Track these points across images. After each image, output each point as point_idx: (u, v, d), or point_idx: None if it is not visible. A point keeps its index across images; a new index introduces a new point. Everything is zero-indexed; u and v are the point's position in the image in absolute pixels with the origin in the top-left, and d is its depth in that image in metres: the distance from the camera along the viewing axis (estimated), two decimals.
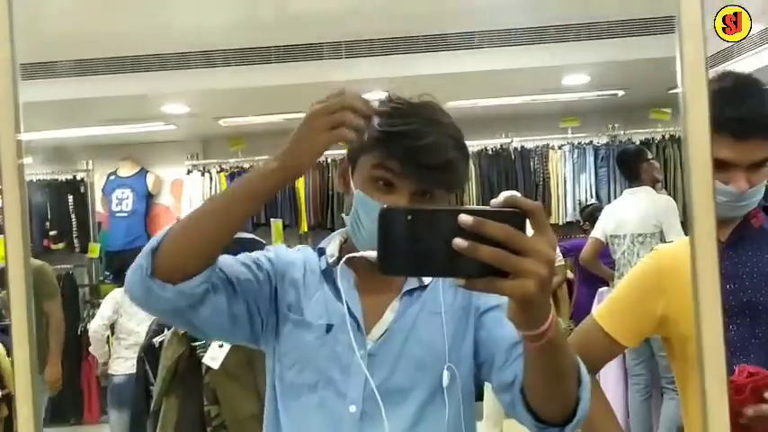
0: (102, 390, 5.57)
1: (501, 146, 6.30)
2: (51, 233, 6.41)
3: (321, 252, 1.24)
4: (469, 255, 0.68)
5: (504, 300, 0.74)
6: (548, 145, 6.31)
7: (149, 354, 3.15)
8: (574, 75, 5.09)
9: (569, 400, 0.93)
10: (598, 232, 4.28)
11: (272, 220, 5.10)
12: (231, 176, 6.50)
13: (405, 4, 4.06)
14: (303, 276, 1.21)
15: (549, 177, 6.25)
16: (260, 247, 4.86)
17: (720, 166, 1.25)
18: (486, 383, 1.19)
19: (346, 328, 1.13)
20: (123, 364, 4.12)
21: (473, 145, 6.22)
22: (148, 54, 4.64)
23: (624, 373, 4.22)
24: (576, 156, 6.24)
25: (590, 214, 5.10)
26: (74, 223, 6.54)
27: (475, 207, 0.72)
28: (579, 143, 6.29)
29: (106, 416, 4.66)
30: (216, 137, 6.58)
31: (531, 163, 6.28)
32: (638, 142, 5.97)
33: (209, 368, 2.51)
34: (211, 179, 6.52)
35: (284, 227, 5.47)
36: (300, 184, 6.38)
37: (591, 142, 6.30)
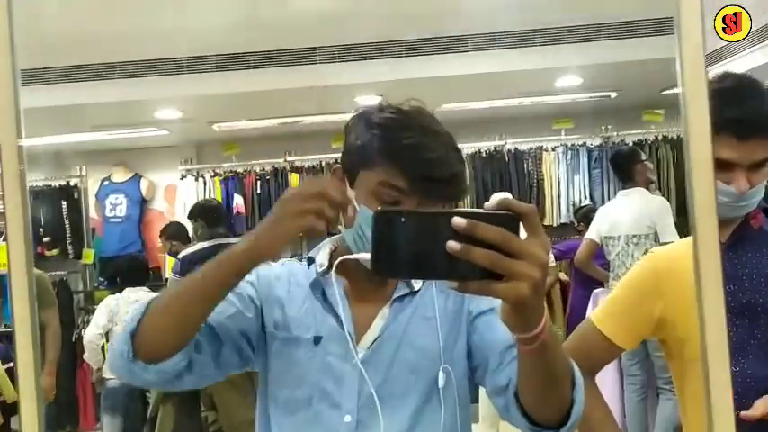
0: (97, 396, 5.54)
1: (494, 148, 6.31)
2: (45, 239, 6.38)
3: (310, 261, 1.23)
4: (463, 257, 0.68)
5: (497, 303, 0.75)
6: (541, 147, 6.32)
7: None
8: (566, 77, 5.10)
9: (563, 403, 0.93)
10: (592, 234, 4.29)
11: None
12: (225, 181, 6.49)
13: (398, 8, 4.07)
14: (288, 291, 1.20)
15: (543, 179, 6.26)
16: None
17: (721, 166, 1.26)
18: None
19: (336, 338, 1.13)
20: None
21: (467, 147, 6.23)
22: (141, 59, 4.63)
23: (620, 373, 4.23)
24: (569, 157, 6.25)
25: (584, 215, 5.12)
26: (67, 229, 6.50)
27: (468, 210, 0.71)
28: (572, 145, 6.30)
29: (102, 422, 4.66)
30: (209, 141, 6.57)
31: (525, 165, 6.29)
32: (631, 143, 5.99)
33: None
34: (205, 184, 6.50)
35: None
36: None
37: (584, 144, 6.31)
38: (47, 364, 4.03)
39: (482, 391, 1.22)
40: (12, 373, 4.34)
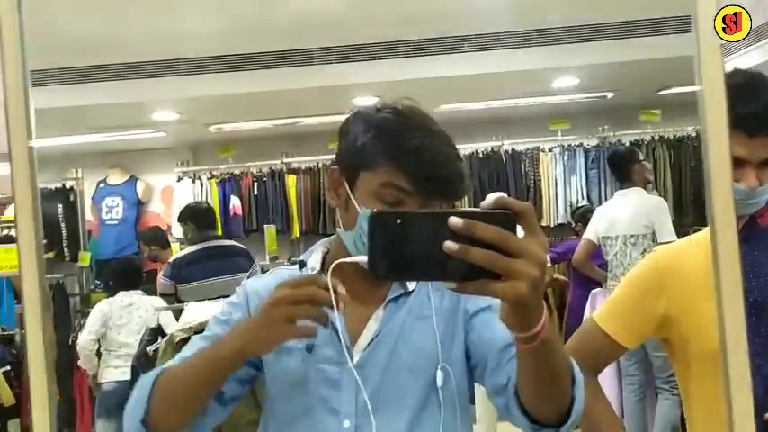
0: (94, 399, 5.53)
1: (492, 149, 6.32)
2: None
3: (302, 265, 1.22)
4: (460, 257, 0.68)
5: (494, 301, 0.75)
6: (538, 147, 6.33)
7: (143, 362, 3.12)
8: (563, 77, 5.11)
9: (564, 401, 0.93)
10: (590, 234, 4.29)
11: (265, 226, 5.09)
12: (222, 183, 6.48)
13: (395, 9, 4.06)
14: None
15: (540, 180, 6.27)
16: (243, 253, 4.77)
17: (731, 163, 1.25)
18: (476, 386, 1.19)
19: (330, 343, 1.12)
20: (113, 372, 4.08)
21: (464, 148, 6.23)
22: (138, 61, 4.61)
23: (618, 373, 4.23)
24: (566, 158, 6.26)
25: (581, 216, 5.12)
26: (64, 232, 6.48)
27: (465, 209, 0.71)
28: (569, 145, 6.31)
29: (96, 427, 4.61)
30: (206, 143, 6.56)
31: (522, 165, 6.29)
32: (627, 144, 5.99)
33: None
34: (202, 186, 6.49)
35: (276, 233, 5.46)
36: (292, 189, 6.37)
37: (581, 144, 6.32)
38: None
39: (479, 392, 1.21)
40: (9, 377, 4.32)
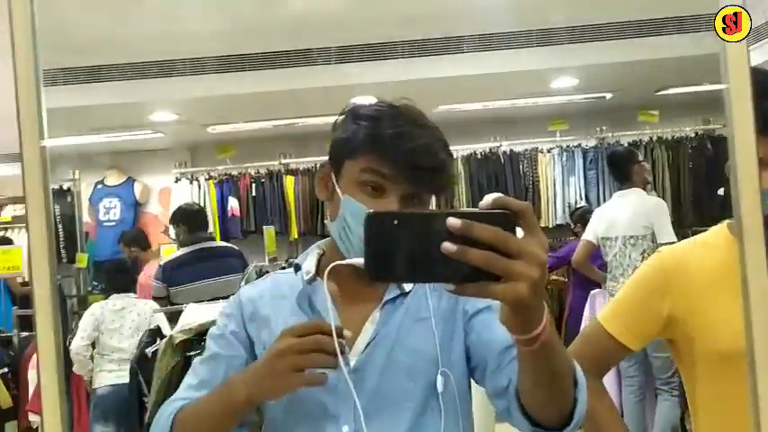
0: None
1: (490, 149, 6.32)
2: None
3: (297, 268, 1.21)
4: (459, 259, 0.66)
5: (493, 301, 0.72)
6: (537, 148, 6.34)
7: (142, 365, 3.11)
8: (562, 78, 5.11)
9: (566, 403, 0.91)
10: (589, 234, 4.29)
11: (264, 227, 5.07)
12: (220, 184, 6.47)
13: (393, 10, 4.06)
14: (273, 308, 1.19)
15: (539, 180, 6.27)
16: (235, 254, 4.75)
17: None
18: (474, 387, 1.17)
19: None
20: (107, 376, 4.02)
21: (462, 149, 6.24)
22: (136, 62, 4.60)
23: (618, 374, 4.22)
24: (564, 159, 6.26)
25: (581, 216, 5.12)
26: (61, 233, 6.46)
27: (463, 210, 0.70)
28: (568, 146, 6.31)
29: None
30: (204, 144, 6.55)
31: (521, 166, 6.30)
32: (626, 144, 5.99)
33: None
34: (200, 187, 6.48)
35: (275, 234, 5.44)
36: (290, 190, 6.37)
37: (579, 145, 6.32)
38: None
39: (476, 396, 1.19)
40: (6, 379, 4.29)
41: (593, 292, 4.45)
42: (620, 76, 5.10)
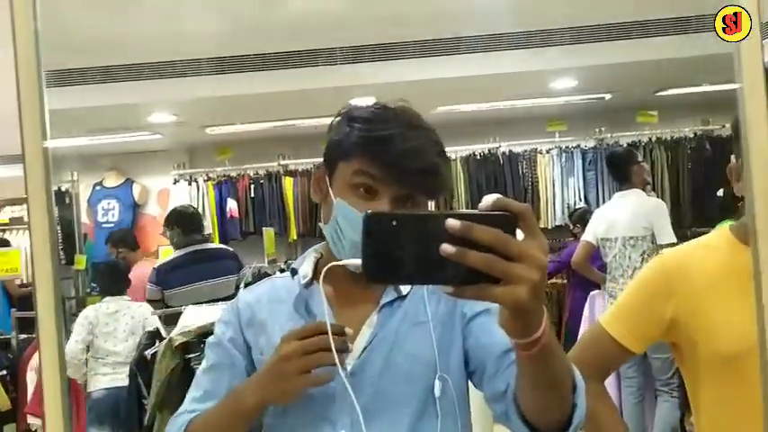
0: None
1: (489, 150, 6.32)
2: None
3: (294, 272, 1.21)
4: (458, 261, 0.65)
5: (491, 304, 0.71)
6: (536, 149, 6.34)
7: (141, 367, 3.11)
8: (561, 79, 5.11)
9: (565, 408, 0.90)
10: (589, 235, 4.28)
11: (264, 228, 5.07)
12: (218, 185, 6.46)
13: (392, 10, 4.05)
14: (270, 312, 1.18)
15: (538, 181, 6.27)
16: (230, 256, 4.75)
17: None
18: (471, 390, 1.16)
19: None
20: (102, 379, 3.99)
21: (461, 150, 6.24)
22: (134, 63, 4.59)
23: (617, 375, 4.22)
24: (563, 159, 6.27)
25: (580, 217, 5.12)
26: (59, 235, 6.45)
27: (463, 211, 0.70)
28: (567, 147, 6.32)
29: None
30: (202, 145, 6.54)
31: (520, 167, 6.30)
32: (625, 145, 6.00)
33: None
34: (198, 188, 6.47)
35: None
36: (289, 192, 6.36)
37: (578, 146, 6.33)
38: None
39: (474, 399, 1.18)
40: (4, 381, 4.28)
41: (592, 293, 4.45)
42: (619, 77, 5.11)
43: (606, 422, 1.43)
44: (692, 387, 1.39)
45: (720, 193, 4.34)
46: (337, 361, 0.98)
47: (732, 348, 1.26)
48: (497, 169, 6.28)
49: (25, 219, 6.13)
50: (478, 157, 6.32)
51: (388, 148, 1.05)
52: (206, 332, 2.52)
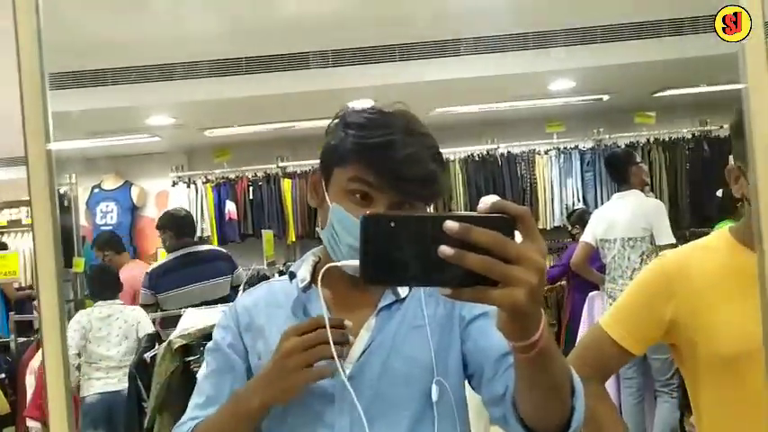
0: None
1: (487, 152, 6.32)
2: None
3: (292, 275, 1.20)
4: (456, 263, 0.65)
5: (490, 307, 0.71)
6: (534, 150, 6.34)
7: (141, 370, 3.10)
8: (559, 80, 5.11)
9: (563, 411, 0.89)
10: (588, 236, 4.28)
11: (263, 231, 5.06)
12: (217, 187, 6.46)
13: (390, 12, 4.06)
14: (267, 317, 1.18)
15: (536, 182, 6.28)
16: (223, 257, 4.76)
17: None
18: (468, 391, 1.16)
19: None
20: (95, 384, 3.97)
21: (459, 151, 6.25)
22: (132, 66, 4.59)
23: (616, 376, 4.22)
24: (562, 160, 6.27)
25: (578, 218, 5.12)
26: None
27: (461, 213, 0.68)
28: (565, 148, 6.32)
29: None
30: (201, 148, 6.54)
31: (518, 168, 6.30)
32: (623, 146, 6.01)
33: None
34: (197, 190, 6.47)
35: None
36: (287, 194, 6.36)
37: (576, 147, 6.33)
38: None
39: (470, 401, 1.18)
40: (3, 385, 4.27)
41: (591, 294, 4.45)
42: (617, 78, 5.11)
43: (606, 422, 1.43)
44: (693, 388, 1.39)
45: (719, 193, 4.33)
46: (335, 354, 0.98)
47: (732, 350, 1.26)
48: (496, 170, 6.29)
49: (23, 221, 6.11)
50: (477, 159, 6.33)
51: (383, 155, 1.05)
52: (206, 334, 2.52)
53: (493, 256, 0.65)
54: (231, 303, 1.27)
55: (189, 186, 6.49)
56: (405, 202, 1.07)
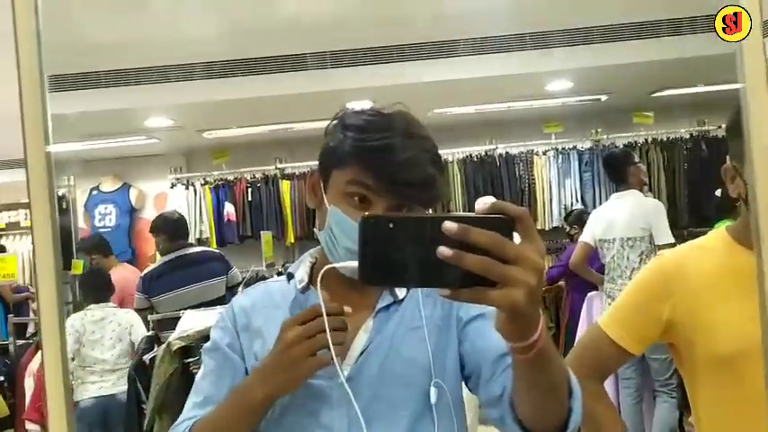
0: None
1: (486, 152, 6.33)
2: None
3: (290, 277, 1.20)
4: (454, 263, 0.65)
5: (488, 308, 0.71)
6: (532, 150, 6.35)
7: (140, 371, 3.10)
8: (557, 80, 5.12)
9: (561, 412, 0.90)
10: (587, 237, 4.28)
11: (262, 232, 5.06)
12: (215, 189, 6.46)
13: (388, 13, 4.06)
14: (265, 318, 1.18)
15: (535, 183, 6.28)
16: (217, 258, 4.75)
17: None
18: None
19: None
20: (90, 388, 3.96)
21: (458, 152, 6.25)
22: (130, 68, 4.59)
23: (615, 376, 4.23)
24: (560, 161, 6.27)
25: (577, 218, 5.12)
26: None
27: (460, 214, 0.69)
28: (563, 148, 6.32)
29: None
30: (199, 149, 6.54)
31: (516, 169, 6.30)
32: (621, 146, 6.01)
33: None
34: (195, 192, 6.47)
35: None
36: (286, 195, 6.36)
37: (575, 147, 6.33)
38: None
39: (467, 404, 1.18)
40: (2, 387, 4.27)
41: (590, 294, 4.45)
42: (615, 79, 5.12)
43: (605, 422, 1.43)
44: (691, 388, 1.40)
45: (718, 193, 4.34)
46: (330, 344, 0.97)
47: (730, 349, 1.27)
48: (494, 171, 6.29)
49: (22, 224, 6.10)
50: (475, 159, 6.33)
51: (382, 158, 1.05)
52: (205, 336, 2.52)
53: (491, 256, 0.66)
54: (228, 304, 1.27)
55: (187, 188, 6.49)
56: (403, 206, 1.07)
